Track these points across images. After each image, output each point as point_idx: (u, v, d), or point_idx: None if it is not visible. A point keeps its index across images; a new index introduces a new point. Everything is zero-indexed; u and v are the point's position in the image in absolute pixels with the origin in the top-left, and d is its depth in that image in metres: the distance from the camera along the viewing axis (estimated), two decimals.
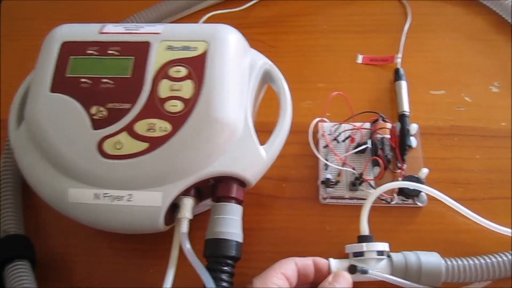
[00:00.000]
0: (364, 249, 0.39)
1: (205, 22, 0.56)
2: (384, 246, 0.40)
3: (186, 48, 0.39)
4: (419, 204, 0.45)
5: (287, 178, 0.48)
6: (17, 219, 0.44)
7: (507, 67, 0.53)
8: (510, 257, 0.40)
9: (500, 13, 0.56)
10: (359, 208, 0.44)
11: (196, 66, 0.39)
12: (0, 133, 0.52)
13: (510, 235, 0.42)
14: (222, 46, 0.40)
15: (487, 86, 0.52)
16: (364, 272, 0.38)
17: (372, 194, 0.41)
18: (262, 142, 0.41)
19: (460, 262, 0.40)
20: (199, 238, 0.38)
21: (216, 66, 0.39)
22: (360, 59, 0.55)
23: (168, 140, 0.37)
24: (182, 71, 0.39)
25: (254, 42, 0.57)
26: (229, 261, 0.37)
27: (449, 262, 0.40)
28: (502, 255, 0.40)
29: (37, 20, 0.63)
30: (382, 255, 0.40)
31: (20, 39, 0.61)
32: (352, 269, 0.39)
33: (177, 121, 0.37)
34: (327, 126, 0.49)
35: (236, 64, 0.41)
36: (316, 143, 0.48)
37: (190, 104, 0.38)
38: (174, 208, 0.39)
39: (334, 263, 0.40)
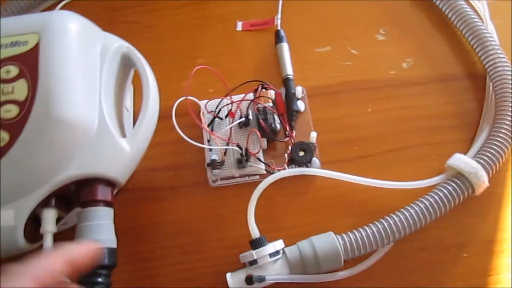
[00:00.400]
0: (255, 256, 0.37)
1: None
2: (276, 246, 0.37)
3: (15, 44, 0.35)
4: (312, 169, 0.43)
5: (173, 166, 0.45)
6: None
7: (391, 12, 0.51)
8: (402, 216, 0.38)
9: None
10: (252, 185, 0.42)
11: (28, 63, 0.34)
12: None
13: (405, 188, 0.41)
14: (58, 36, 0.35)
15: (373, 35, 0.50)
16: (262, 280, 0.36)
17: (256, 192, 0.39)
18: None
19: (355, 235, 0.38)
20: None
21: (52, 59, 0.34)
22: (239, 26, 0.51)
23: (7, 151, 0.32)
24: (13, 70, 0.34)
25: (127, 24, 0.53)
26: (103, 271, 0.34)
27: (345, 238, 0.37)
28: (394, 215, 0.39)
29: None
30: (278, 254, 0.37)
31: None
32: (249, 281, 0.36)
33: (15, 128, 0.33)
34: (209, 104, 0.46)
35: (79, 54, 0.36)
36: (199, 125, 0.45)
37: (26, 106, 0.33)
38: (36, 221, 0.35)
39: (230, 278, 0.37)
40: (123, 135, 0.38)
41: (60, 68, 0.34)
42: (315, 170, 0.41)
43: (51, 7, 0.54)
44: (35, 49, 0.35)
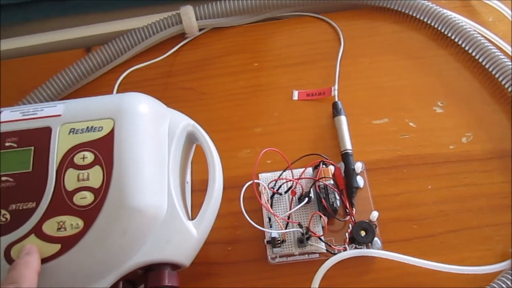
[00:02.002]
0: None
1: (127, 80, 0.53)
2: None
3: (90, 129, 0.36)
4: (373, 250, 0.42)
5: (232, 240, 0.45)
6: None
7: (448, 84, 0.51)
8: None
9: (437, 26, 0.54)
10: (311, 263, 0.42)
11: (103, 149, 0.35)
12: None
13: (467, 272, 0.40)
14: (131, 121, 0.36)
15: (431, 107, 0.50)
16: None
17: (319, 273, 0.39)
18: (201, 203, 0.37)
19: None
20: None
21: (126, 146, 0.35)
22: (296, 95, 0.51)
23: (81, 238, 0.33)
24: (88, 156, 0.35)
25: (183, 90, 0.54)
26: None
27: None
28: None
29: None
30: None
31: None
32: None
33: (89, 215, 0.33)
34: (266, 178, 0.46)
35: (150, 137, 0.37)
36: (259, 195, 0.45)
37: (100, 193, 0.34)
38: None
39: None
40: (188, 214, 0.38)
41: (134, 155, 0.35)
42: (378, 252, 0.41)
43: (108, 74, 0.55)
44: (110, 135, 0.35)
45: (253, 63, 0.54)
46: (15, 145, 0.36)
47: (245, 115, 0.51)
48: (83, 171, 0.34)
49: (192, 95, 0.53)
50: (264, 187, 0.44)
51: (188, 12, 0.54)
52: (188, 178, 0.46)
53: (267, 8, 0.55)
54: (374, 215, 0.42)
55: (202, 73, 0.54)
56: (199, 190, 0.46)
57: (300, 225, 0.42)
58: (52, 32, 0.59)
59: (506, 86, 0.49)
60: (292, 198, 0.44)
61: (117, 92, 0.52)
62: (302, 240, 0.42)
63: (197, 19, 0.55)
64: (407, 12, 0.55)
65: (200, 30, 0.56)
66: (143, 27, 0.54)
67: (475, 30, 0.52)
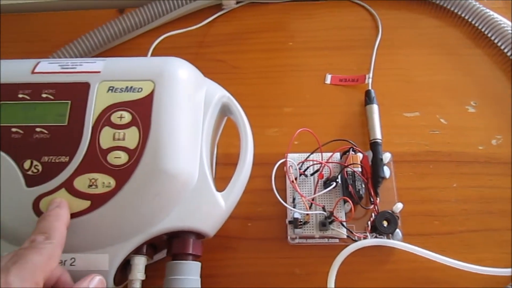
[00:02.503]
0: None
1: (161, 44, 0.52)
2: None
3: (129, 89, 0.35)
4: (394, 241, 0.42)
5: (253, 217, 0.44)
6: None
7: (484, 84, 0.50)
8: None
9: (476, 24, 0.53)
10: (331, 247, 0.42)
11: (141, 111, 0.34)
12: None
13: (483, 273, 0.40)
14: (171, 85, 0.35)
15: (463, 106, 0.49)
16: None
17: (338, 258, 0.38)
18: (223, 176, 0.37)
19: None
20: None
21: (164, 109, 0.35)
22: (328, 79, 0.51)
23: (112, 197, 0.33)
24: (126, 116, 0.34)
25: (215, 62, 0.53)
26: None
27: None
28: None
29: None
30: None
31: None
32: None
33: (122, 175, 0.33)
34: (293, 158, 0.45)
35: (188, 104, 0.36)
36: (284, 177, 0.45)
37: (135, 155, 0.33)
38: (125, 265, 0.35)
39: None
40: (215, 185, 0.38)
41: (172, 120, 0.35)
42: (398, 243, 0.41)
43: (140, 37, 0.54)
44: (149, 97, 0.35)
45: (287, 42, 0.54)
46: (52, 97, 0.35)
47: (275, 93, 0.51)
48: (119, 131, 0.34)
49: (223, 68, 0.52)
50: (291, 167, 0.44)
51: None
52: (215, 150, 0.45)
53: None
54: (399, 206, 0.42)
55: (235, 46, 0.54)
56: (222, 163, 0.46)
57: (324, 209, 0.42)
58: None
59: None
60: (317, 181, 0.43)
61: (151, 56, 0.52)
62: (325, 224, 0.41)
63: None
64: (448, 7, 0.54)
65: (237, 2, 0.55)
66: None
67: None
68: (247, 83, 0.51)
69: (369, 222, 0.42)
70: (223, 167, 0.45)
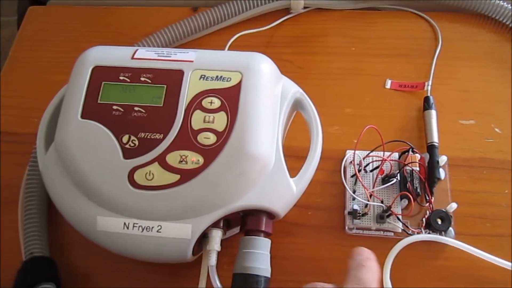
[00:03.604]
0: None
1: (234, 42, 0.56)
2: None
3: (219, 79, 0.39)
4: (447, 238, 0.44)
5: (313, 206, 0.48)
6: (42, 240, 0.44)
7: None
8: None
9: None
10: (385, 240, 0.45)
11: (230, 98, 0.38)
12: (0, 146, 0.53)
13: None
14: (256, 77, 0.39)
15: None
16: None
17: (393, 250, 0.41)
18: (289, 167, 0.40)
19: None
20: (223, 265, 0.39)
21: (250, 98, 0.38)
22: (388, 84, 0.54)
23: (200, 173, 0.37)
24: (216, 102, 0.38)
25: (282, 62, 0.56)
26: None
27: None
28: None
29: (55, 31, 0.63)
30: None
31: (33, 50, 0.61)
32: None
33: (210, 154, 0.37)
34: (355, 154, 0.48)
35: (269, 95, 0.40)
36: (344, 171, 0.48)
37: (223, 137, 0.37)
38: (202, 238, 0.39)
39: None
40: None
41: (256, 108, 0.38)
42: (450, 240, 0.43)
43: (212, 35, 0.59)
44: (237, 86, 0.39)
45: (350, 47, 0.57)
46: (149, 81, 0.39)
47: (337, 94, 0.54)
48: (209, 114, 0.38)
49: (289, 68, 0.56)
50: (353, 161, 0.47)
51: None
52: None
53: None
54: (453, 206, 0.45)
55: (301, 48, 0.57)
56: (285, 155, 0.49)
57: (382, 202, 0.45)
58: None
59: None
60: (376, 177, 0.46)
61: None
62: (382, 217, 0.44)
63: None
64: (506, 22, 0.56)
65: (304, 8, 0.59)
66: None
67: None
68: (311, 83, 0.54)
69: (424, 219, 0.45)
70: (287, 158, 0.49)
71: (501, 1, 0.56)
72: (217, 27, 0.58)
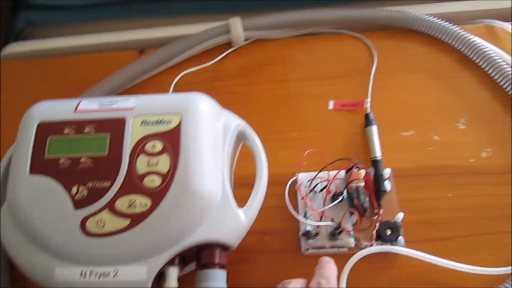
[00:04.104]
0: None
1: (178, 81, 0.58)
2: None
3: (160, 122, 0.41)
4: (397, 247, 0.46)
5: (269, 231, 0.49)
6: None
7: (472, 103, 0.56)
8: None
9: (462, 50, 0.58)
10: (340, 256, 0.46)
11: (171, 140, 0.40)
12: None
13: (481, 273, 0.44)
14: (195, 117, 0.41)
15: (454, 123, 0.54)
16: None
17: (347, 265, 0.44)
18: (240, 196, 0.42)
19: None
20: None
21: (191, 138, 0.40)
22: (331, 105, 0.56)
23: (149, 215, 0.38)
24: (158, 145, 0.40)
25: (229, 94, 0.59)
26: None
27: None
28: None
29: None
30: None
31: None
32: None
33: (157, 196, 0.38)
34: (303, 177, 0.50)
35: (210, 131, 0.42)
36: (295, 194, 0.50)
37: (168, 178, 0.39)
38: (159, 277, 0.40)
39: None
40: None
41: (198, 146, 0.40)
42: (401, 249, 0.45)
43: (160, 75, 0.61)
44: (177, 128, 0.41)
45: (292, 74, 0.60)
46: (93, 132, 0.41)
47: (283, 120, 0.56)
48: (153, 158, 0.40)
49: (236, 99, 0.58)
50: (301, 185, 0.49)
51: (236, 23, 0.60)
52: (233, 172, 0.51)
53: (308, 24, 0.61)
54: (400, 216, 0.47)
55: (245, 79, 0.60)
56: (238, 184, 0.51)
57: (332, 220, 0.47)
58: (109, 33, 0.65)
59: None
60: (326, 197, 0.48)
61: (172, 92, 0.58)
62: (334, 234, 0.46)
63: (243, 30, 0.60)
64: (437, 35, 0.60)
65: (245, 40, 0.61)
66: (195, 34, 0.60)
67: (497, 55, 0.57)
68: (258, 112, 0.57)
69: (374, 232, 0.47)
70: (240, 187, 0.50)
71: (427, 16, 0.59)
72: (163, 67, 0.60)
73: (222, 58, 0.61)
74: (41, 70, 0.64)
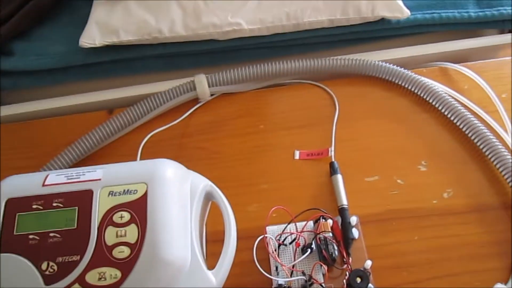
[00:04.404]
0: None
1: (150, 139, 0.59)
2: None
3: (127, 192, 0.42)
4: None
5: (241, 286, 0.50)
6: None
7: (431, 144, 0.58)
8: None
9: (419, 93, 0.61)
10: None
11: (138, 209, 0.41)
12: None
13: None
14: (160, 184, 0.42)
15: (416, 166, 0.57)
16: None
17: None
18: (213, 252, 0.43)
19: None
20: None
21: (157, 206, 0.41)
22: (297, 155, 0.58)
23: (119, 287, 0.39)
24: (125, 216, 0.41)
25: (198, 150, 0.60)
26: None
27: None
28: None
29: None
30: None
31: None
32: None
33: (126, 266, 0.39)
34: (272, 230, 0.52)
35: (177, 196, 0.43)
36: (267, 245, 0.51)
37: (136, 248, 0.40)
38: None
39: None
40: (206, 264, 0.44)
41: (164, 214, 0.41)
42: None
43: (130, 134, 0.62)
44: (144, 197, 0.42)
45: (259, 125, 0.61)
46: (62, 205, 0.42)
47: (253, 172, 0.58)
48: (121, 228, 0.40)
49: (205, 154, 0.59)
50: (271, 239, 0.50)
51: (201, 80, 0.62)
52: (204, 230, 0.52)
53: (271, 76, 0.63)
54: (368, 263, 0.48)
55: (214, 134, 0.61)
56: (211, 240, 0.52)
57: (303, 273, 0.48)
58: (77, 96, 0.66)
59: (481, 147, 0.56)
60: (296, 249, 0.50)
61: (142, 151, 0.59)
62: (306, 287, 0.47)
63: (209, 86, 0.62)
64: (393, 80, 0.62)
65: (211, 95, 0.63)
66: (162, 92, 0.61)
67: (452, 97, 0.60)
68: (227, 166, 0.58)
69: (344, 281, 0.48)
70: (213, 243, 0.51)
71: (383, 63, 0.62)
72: (132, 126, 0.61)
73: (190, 114, 0.62)
74: (9, 136, 0.64)
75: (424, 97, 0.61)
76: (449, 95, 0.60)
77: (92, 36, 0.63)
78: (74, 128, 0.62)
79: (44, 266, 0.40)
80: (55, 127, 0.64)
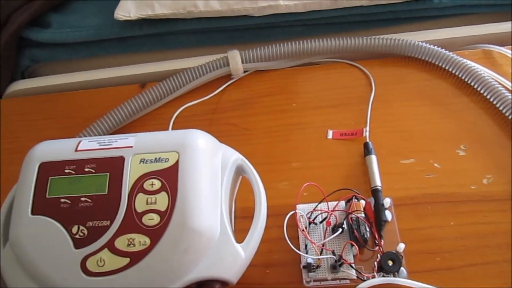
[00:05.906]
0: None
1: (179, 114, 0.59)
2: None
3: (158, 160, 0.41)
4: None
5: (271, 264, 0.49)
6: None
7: (471, 129, 0.56)
8: None
9: (460, 75, 0.59)
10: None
11: (169, 178, 0.41)
12: None
13: None
14: (192, 154, 0.42)
15: (454, 150, 0.54)
16: None
17: None
18: (242, 228, 0.42)
19: None
20: None
21: (188, 175, 0.41)
22: (330, 134, 0.57)
23: (148, 254, 0.38)
24: (156, 183, 0.40)
25: (229, 126, 0.60)
26: None
27: None
28: None
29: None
30: None
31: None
32: None
33: (155, 234, 0.39)
34: (302, 208, 0.51)
35: (208, 167, 0.43)
36: (296, 225, 0.50)
37: (166, 216, 0.39)
38: None
39: None
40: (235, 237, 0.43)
41: (195, 184, 0.41)
42: (404, 280, 0.45)
43: (161, 108, 0.62)
44: (175, 166, 0.41)
45: (291, 104, 0.60)
46: (93, 171, 0.42)
47: (284, 150, 0.57)
48: (151, 196, 0.40)
49: (236, 130, 0.59)
50: (302, 216, 0.49)
51: (235, 56, 0.61)
52: (233, 205, 0.51)
53: (305, 54, 0.61)
54: (401, 246, 0.47)
55: (246, 111, 0.60)
56: (241, 217, 0.51)
57: (333, 253, 0.46)
58: (110, 69, 0.66)
59: None
60: (326, 228, 0.48)
61: (173, 125, 0.59)
62: (335, 267, 0.46)
63: (242, 62, 0.61)
64: (434, 62, 0.60)
65: (244, 72, 0.62)
66: (195, 67, 0.61)
67: (494, 80, 0.57)
68: (258, 143, 0.57)
69: (375, 263, 0.47)
70: (242, 220, 0.51)
71: (424, 43, 0.60)
72: (165, 100, 0.61)
73: (222, 90, 0.62)
74: (44, 107, 0.65)
75: (466, 80, 0.58)
76: (492, 78, 0.57)
77: (127, 9, 0.63)
78: (107, 100, 0.63)
79: (74, 229, 0.40)
80: (88, 100, 0.65)
